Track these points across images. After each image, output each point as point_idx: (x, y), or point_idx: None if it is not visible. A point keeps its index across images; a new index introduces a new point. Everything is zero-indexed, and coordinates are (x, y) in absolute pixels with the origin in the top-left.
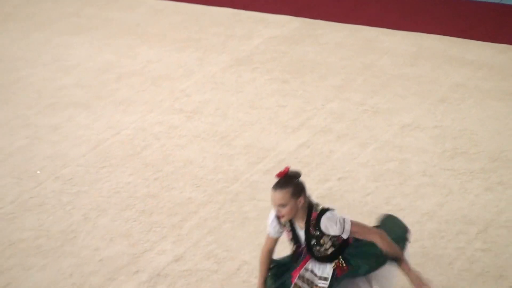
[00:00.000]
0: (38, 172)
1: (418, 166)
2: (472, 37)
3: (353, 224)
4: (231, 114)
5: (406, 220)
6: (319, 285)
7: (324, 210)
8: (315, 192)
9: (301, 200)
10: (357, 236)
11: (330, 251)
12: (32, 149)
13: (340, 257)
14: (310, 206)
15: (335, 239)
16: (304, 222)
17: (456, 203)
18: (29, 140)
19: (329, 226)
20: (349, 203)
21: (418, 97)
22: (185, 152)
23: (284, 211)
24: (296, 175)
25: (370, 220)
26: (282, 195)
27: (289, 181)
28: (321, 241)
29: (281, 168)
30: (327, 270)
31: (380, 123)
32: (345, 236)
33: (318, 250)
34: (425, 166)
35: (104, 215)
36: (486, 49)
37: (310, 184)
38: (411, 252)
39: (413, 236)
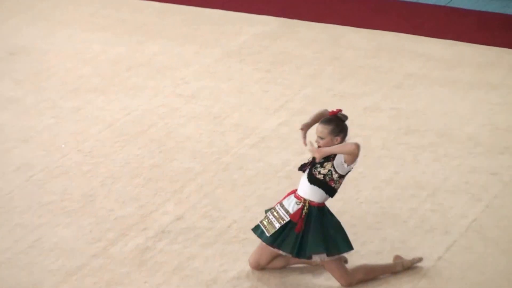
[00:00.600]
0: (63, 146)
1: (378, 141)
2: (423, 34)
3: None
4: (223, 98)
5: (368, 186)
6: (277, 208)
7: None
8: (293, 162)
9: (338, 139)
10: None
11: (319, 176)
12: (58, 127)
13: (308, 202)
14: None
15: (331, 174)
16: None
17: (410, 171)
18: (55, 120)
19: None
20: None
21: (378, 84)
22: (185, 129)
23: (322, 143)
24: (343, 118)
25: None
26: (322, 129)
27: (334, 120)
28: (325, 164)
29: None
30: (292, 204)
31: (346, 106)
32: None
33: (314, 169)
34: (384, 141)
35: (118, 182)
36: (435, 44)
37: (288, 155)
38: (371, 212)
39: (374, 199)
